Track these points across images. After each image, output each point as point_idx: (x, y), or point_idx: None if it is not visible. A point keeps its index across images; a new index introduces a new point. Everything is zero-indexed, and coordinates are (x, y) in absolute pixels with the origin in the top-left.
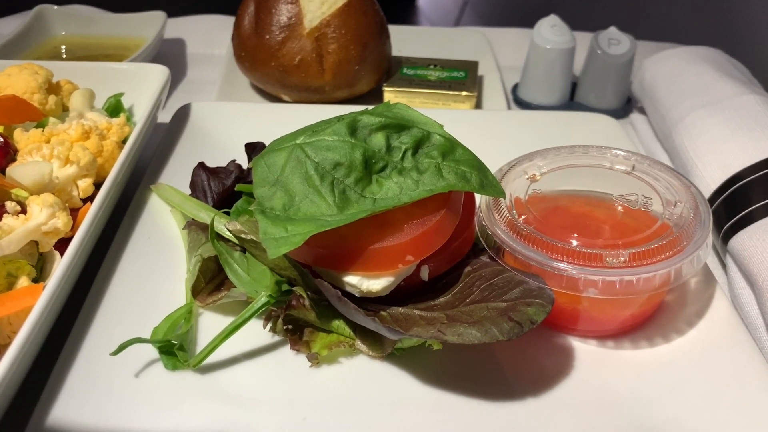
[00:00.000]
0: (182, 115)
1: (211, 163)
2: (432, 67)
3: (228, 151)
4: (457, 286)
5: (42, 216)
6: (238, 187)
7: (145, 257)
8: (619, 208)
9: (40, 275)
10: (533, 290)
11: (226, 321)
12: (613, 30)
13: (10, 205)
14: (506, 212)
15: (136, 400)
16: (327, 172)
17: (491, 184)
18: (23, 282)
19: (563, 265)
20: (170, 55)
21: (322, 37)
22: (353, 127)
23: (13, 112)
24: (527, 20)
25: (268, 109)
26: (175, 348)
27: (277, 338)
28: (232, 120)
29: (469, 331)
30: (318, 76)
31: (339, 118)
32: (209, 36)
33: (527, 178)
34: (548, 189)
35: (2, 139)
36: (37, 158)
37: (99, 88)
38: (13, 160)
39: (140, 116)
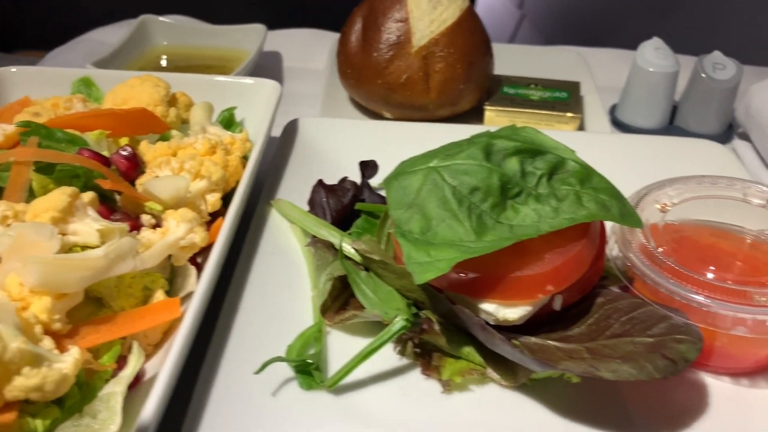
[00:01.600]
0: (291, 129)
1: (318, 180)
2: (533, 86)
3: (336, 167)
4: (590, 317)
5: (180, 230)
6: (359, 206)
7: (271, 273)
8: (750, 241)
9: (170, 289)
10: (680, 326)
11: (350, 340)
12: (717, 54)
13: (145, 218)
14: (644, 242)
15: (277, 419)
16: (464, 196)
17: (630, 214)
18: (159, 296)
19: (709, 301)
20: (267, 68)
21: (430, 55)
22: (488, 151)
23: (140, 124)
24: (587, 37)
25: (374, 126)
26: (311, 368)
27: (403, 361)
28: (338, 136)
29: (624, 368)
30: (423, 95)
31: (471, 142)
32: (305, 50)
33: (659, 208)
34: (680, 219)
35: (131, 151)
36: (167, 172)
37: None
38: (142, 172)
39: (251, 130)
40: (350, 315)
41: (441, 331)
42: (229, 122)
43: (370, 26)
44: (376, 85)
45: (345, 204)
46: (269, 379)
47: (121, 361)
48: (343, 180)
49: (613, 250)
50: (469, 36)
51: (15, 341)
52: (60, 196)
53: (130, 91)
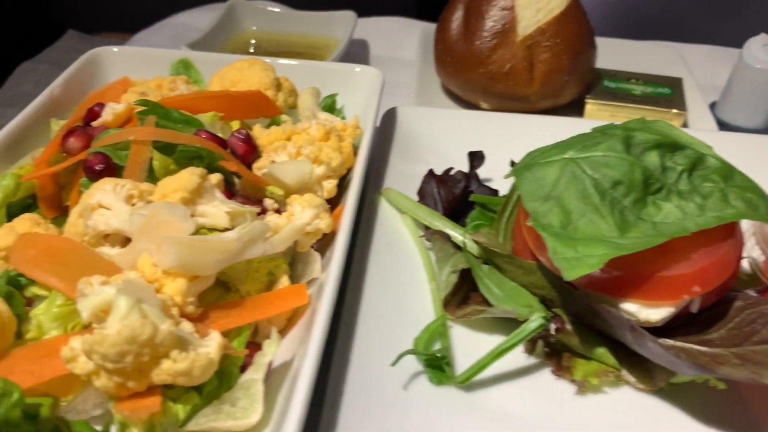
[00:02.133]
0: (390, 118)
1: (420, 169)
2: (633, 81)
3: (436, 157)
4: (729, 322)
5: (306, 216)
6: (474, 197)
7: (387, 263)
8: None
9: (291, 275)
10: None
11: (471, 335)
12: None
13: (269, 202)
14: None
15: (410, 414)
16: (606, 190)
17: None
18: (284, 281)
19: None
20: (355, 57)
21: (535, 45)
22: (627, 143)
23: (253, 107)
24: (637, 31)
25: (474, 117)
26: (442, 362)
27: (531, 359)
28: (438, 125)
29: None
30: (526, 85)
31: (605, 134)
32: (393, 39)
33: None
34: None
35: (246, 134)
36: (283, 157)
37: (306, 87)
38: (258, 157)
39: (350, 118)
40: (472, 310)
41: (573, 330)
42: (330, 109)
43: (472, 14)
44: (477, 74)
45: (456, 195)
46: (399, 372)
47: (250, 348)
48: (449, 170)
49: (752, 251)
50: (576, 26)
51: (164, 323)
52: (190, 176)
53: (239, 74)
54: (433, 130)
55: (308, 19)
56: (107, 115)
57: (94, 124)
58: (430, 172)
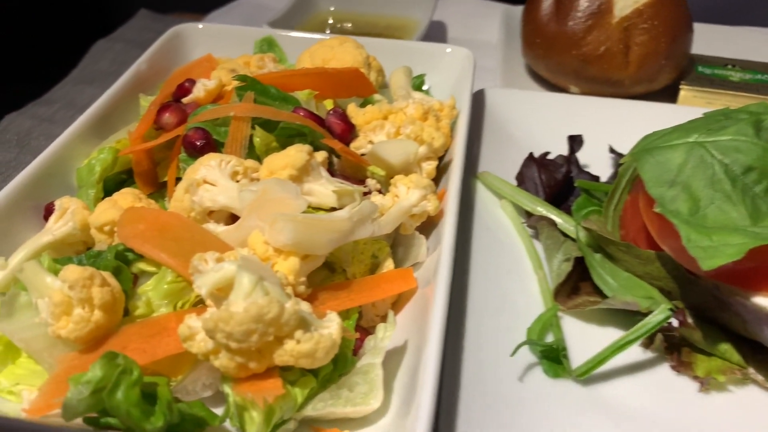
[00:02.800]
0: (477, 100)
1: (513, 153)
2: (730, 67)
3: (529, 140)
4: None
5: (413, 197)
6: (580, 183)
7: (489, 250)
8: None
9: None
10: None
11: (582, 326)
12: None
13: (371, 182)
14: None
15: (528, 406)
16: (737, 176)
17: None
18: (388, 264)
19: None
20: (433, 38)
21: (632, 27)
22: (758, 127)
23: (348, 85)
24: (731, 16)
25: (566, 100)
26: (560, 354)
27: (647, 353)
28: (527, 108)
29: None
30: (620, 69)
31: (730, 117)
32: (471, 21)
33: None
34: None
35: (342, 113)
36: (381, 137)
37: (391, 66)
38: (356, 136)
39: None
40: (584, 301)
41: (697, 324)
42: (418, 89)
43: None
44: (569, 56)
45: (558, 180)
46: (513, 363)
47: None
48: (546, 154)
49: None
50: (675, 8)
51: (288, 302)
52: (298, 153)
53: (330, 51)
54: (523, 114)
55: None
56: (198, 91)
57: (185, 100)
58: (530, 156)
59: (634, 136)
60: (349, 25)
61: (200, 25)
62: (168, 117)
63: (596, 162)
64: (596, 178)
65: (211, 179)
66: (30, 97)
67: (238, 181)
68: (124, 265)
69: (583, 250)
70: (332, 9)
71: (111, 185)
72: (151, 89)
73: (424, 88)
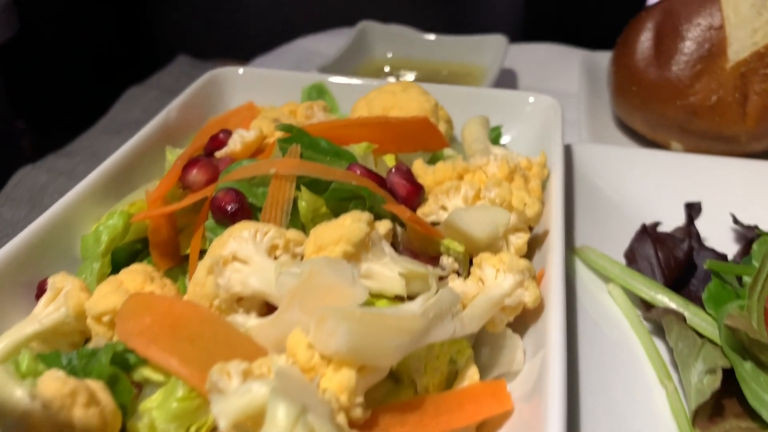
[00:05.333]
0: (565, 158)
1: (612, 221)
2: None
3: (631, 206)
4: None
5: (505, 284)
6: (710, 264)
7: (599, 351)
8: None
9: None
10: None
11: None
12: None
13: (447, 261)
14: None
15: None
16: None
17: None
18: (471, 374)
19: None
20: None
21: (750, 73)
22: None
23: (415, 138)
24: None
25: (673, 160)
26: None
27: None
28: (624, 168)
29: None
30: (736, 122)
31: None
32: (545, 67)
33: None
34: None
35: (407, 171)
36: (457, 201)
37: (460, 119)
38: (424, 200)
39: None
40: (733, 428)
41: None
42: (495, 143)
43: (667, 34)
44: (673, 107)
45: (679, 260)
46: None
47: None
48: (656, 224)
49: None
50: None
51: None
52: (355, 223)
53: (392, 98)
54: (620, 174)
55: (450, 44)
56: (234, 143)
57: (218, 154)
58: (643, 229)
59: (757, 203)
60: (408, 72)
61: (240, 70)
62: (195, 174)
63: (714, 234)
64: (723, 257)
65: (242, 256)
66: (53, 147)
67: (276, 258)
68: (122, 374)
69: (730, 358)
70: (389, 56)
71: (122, 257)
72: (181, 141)
73: (502, 141)
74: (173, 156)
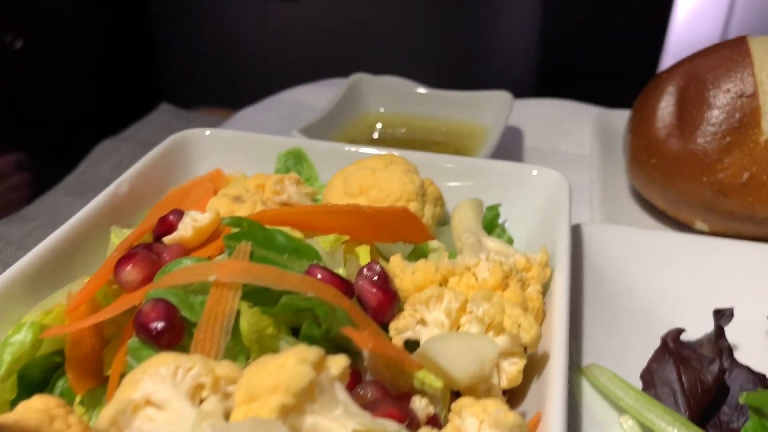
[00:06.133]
0: (572, 241)
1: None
2: None
3: (647, 305)
4: None
5: None
6: (747, 398)
7: None
8: None
9: None
10: None
11: None
12: None
13: (419, 403)
14: None
15: None
16: None
17: None
18: None
19: None
20: (507, 148)
21: None
22: None
23: (393, 230)
24: None
25: (699, 244)
26: None
27: None
28: (642, 255)
29: None
30: None
31: None
32: (553, 125)
33: None
34: None
35: (381, 272)
36: (438, 314)
37: (454, 191)
38: (399, 309)
39: (521, 241)
40: None
41: None
42: (491, 226)
43: (691, 101)
44: (698, 184)
45: (708, 386)
46: None
47: None
48: (679, 332)
49: None
50: None
51: None
52: (298, 367)
53: (371, 177)
54: (638, 261)
55: (449, 99)
56: (185, 228)
57: (167, 239)
58: (664, 345)
59: None
60: (403, 130)
61: (207, 132)
62: (129, 272)
63: (748, 338)
64: (761, 378)
65: (157, 399)
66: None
67: (202, 401)
68: None
69: None
70: (382, 110)
71: (36, 375)
72: (136, 217)
73: (501, 220)
74: (119, 239)
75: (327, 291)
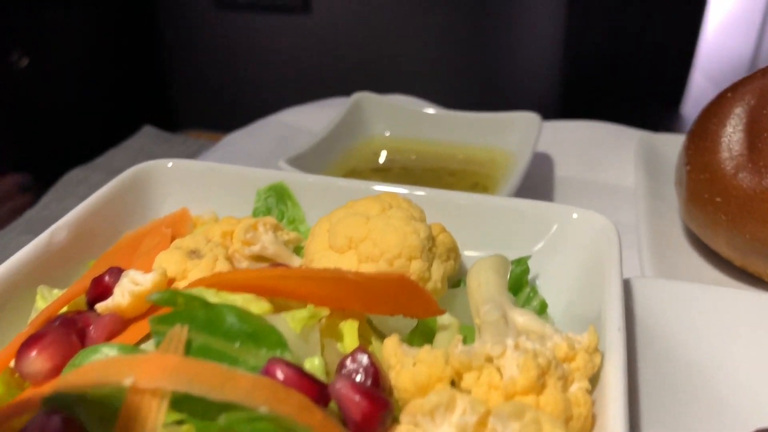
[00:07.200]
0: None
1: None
2: None
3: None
4: None
5: None
6: None
7: None
8: None
9: None
10: None
11: None
12: None
13: None
14: None
15: None
16: None
17: None
18: None
19: None
20: (535, 178)
21: None
22: None
23: (390, 301)
24: None
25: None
26: None
27: None
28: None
29: None
30: None
31: None
32: (589, 152)
33: None
34: None
35: (370, 366)
36: (449, 430)
37: (471, 238)
38: (395, 422)
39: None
40: None
41: None
42: (519, 285)
43: (766, 125)
44: None
45: None
46: None
47: None
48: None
49: None
50: None
51: None
52: None
53: (363, 226)
54: (699, 325)
55: (467, 122)
56: (122, 293)
57: (99, 307)
58: None
59: None
60: (413, 157)
61: (170, 164)
62: (33, 361)
63: None
64: None
65: None
66: None
67: None
68: None
69: None
70: (388, 134)
71: None
72: (76, 271)
73: (530, 278)
74: (45, 302)
75: (288, 402)
